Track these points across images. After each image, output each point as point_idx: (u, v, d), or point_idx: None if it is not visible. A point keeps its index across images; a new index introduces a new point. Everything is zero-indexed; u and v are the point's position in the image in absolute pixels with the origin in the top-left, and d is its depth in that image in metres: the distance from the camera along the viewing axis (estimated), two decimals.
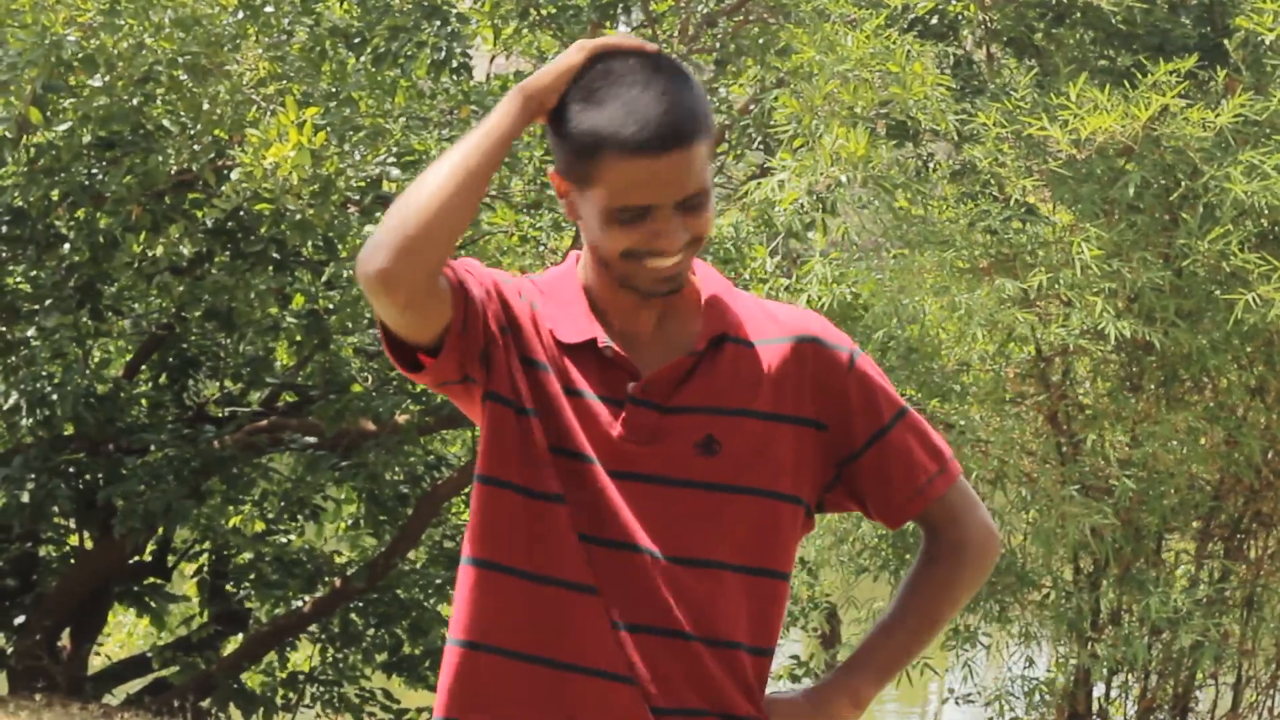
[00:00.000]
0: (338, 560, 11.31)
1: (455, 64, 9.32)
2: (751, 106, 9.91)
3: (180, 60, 8.31)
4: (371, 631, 11.15)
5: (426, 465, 11.05)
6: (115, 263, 9.10)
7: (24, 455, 9.85)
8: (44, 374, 9.59)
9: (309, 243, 8.89)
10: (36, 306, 9.65)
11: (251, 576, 11.17)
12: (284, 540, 11.23)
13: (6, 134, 8.51)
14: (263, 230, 8.83)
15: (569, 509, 2.43)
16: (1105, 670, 7.39)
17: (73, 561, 10.86)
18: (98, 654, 11.64)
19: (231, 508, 10.67)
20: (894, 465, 2.52)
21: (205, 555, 11.21)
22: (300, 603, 10.95)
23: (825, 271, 7.03)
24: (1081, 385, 7.78)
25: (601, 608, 2.42)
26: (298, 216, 8.12)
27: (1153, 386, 7.40)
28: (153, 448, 10.00)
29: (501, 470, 2.46)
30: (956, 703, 8.07)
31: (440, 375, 2.46)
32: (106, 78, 8.42)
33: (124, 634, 12.73)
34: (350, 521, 11.39)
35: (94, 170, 8.96)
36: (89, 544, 10.70)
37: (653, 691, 2.42)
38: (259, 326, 9.91)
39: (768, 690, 2.51)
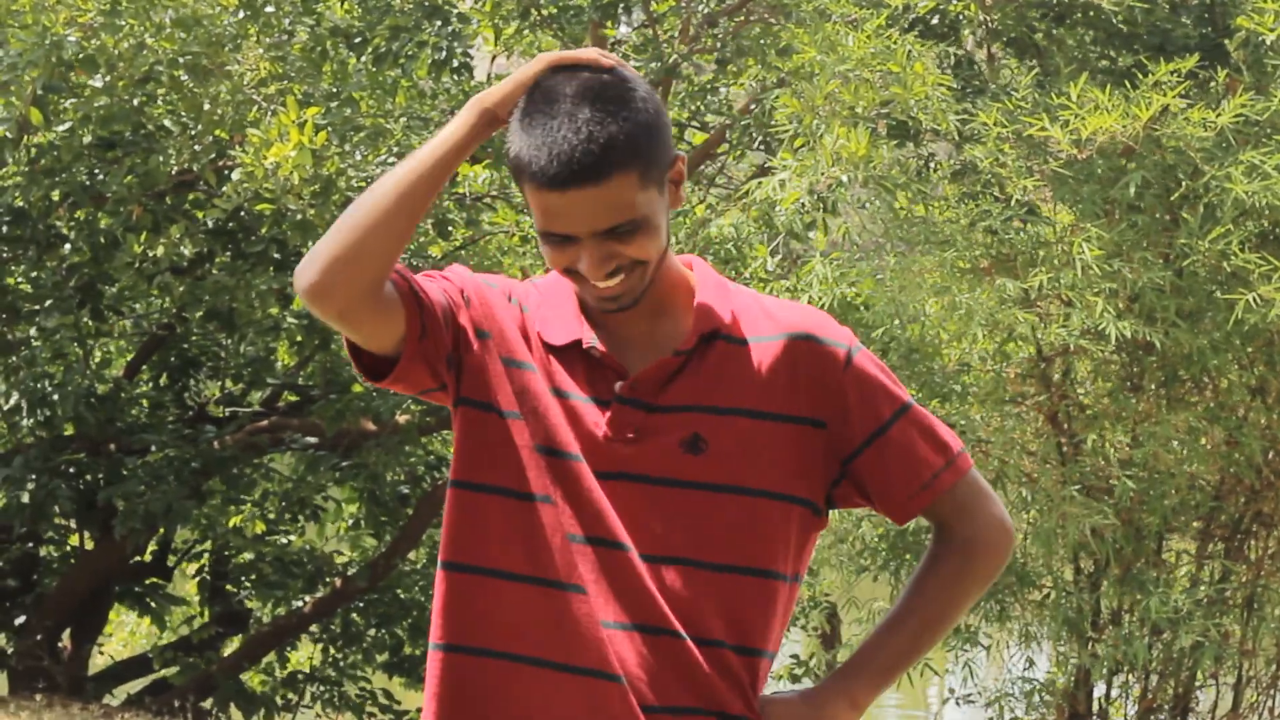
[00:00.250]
0: (338, 560, 11.32)
1: (456, 64, 9.33)
2: (752, 106, 9.91)
3: (181, 60, 8.32)
4: (372, 632, 11.16)
5: (427, 465, 11.06)
6: (116, 263, 9.11)
7: (24, 455, 9.85)
8: (45, 374, 9.59)
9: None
10: (37, 307, 9.65)
11: (252, 577, 11.18)
12: (284, 540, 11.23)
13: (7, 134, 8.52)
14: (264, 230, 8.83)
15: (556, 509, 2.43)
16: (1105, 670, 7.38)
17: (73, 562, 10.86)
18: (99, 654, 11.64)
19: (232, 508, 10.67)
20: (895, 462, 2.49)
21: (206, 555, 11.22)
22: (301, 603, 10.95)
23: (826, 271, 7.02)
24: (1082, 385, 7.77)
25: (590, 607, 2.41)
26: (299, 217, 8.12)
27: (1153, 387, 7.40)
28: (153, 448, 10.00)
29: (479, 474, 2.46)
30: (957, 703, 8.07)
31: (409, 382, 2.47)
32: (107, 78, 8.42)
33: (127, 633, 12.74)
34: (351, 521, 11.39)
35: (95, 170, 8.96)
36: (89, 544, 10.71)
37: (642, 690, 2.41)
38: (260, 327, 9.91)
39: (765, 690, 2.50)
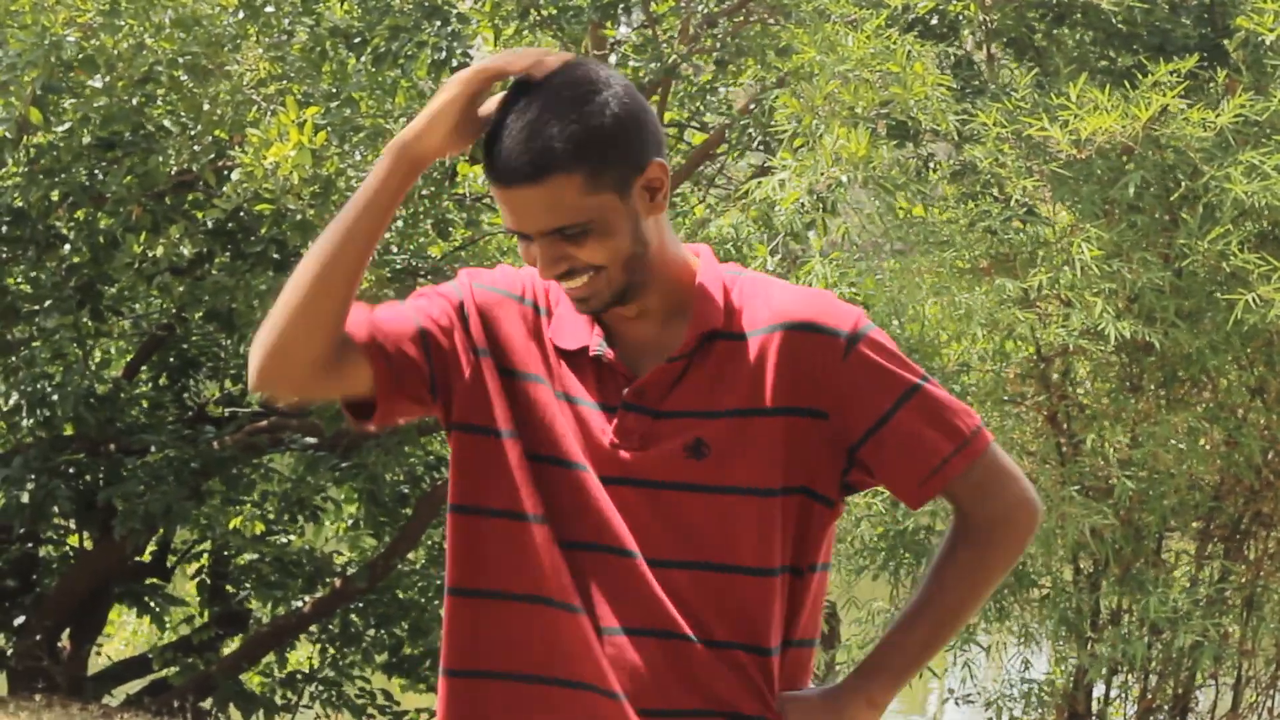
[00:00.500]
0: (338, 561, 11.32)
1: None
2: (751, 106, 9.91)
3: (181, 60, 8.32)
4: (371, 632, 11.15)
5: (426, 466, 11.05)
6: (115, 263, 9.10)
7: (24, 455, 9.85)
8: (44, 374, 9.58)
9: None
10: (37, 307, 9.65)
11: (252, 577, 11.18)
12: (284, 541, 11.23)
13: (6, 134, 8.51)
14: (263, 231, 8.83)
15: (557, 524, 2.42)
16: (1105, 670, 7.38)
17: (73, 562, 10.86)
18: (99, 654, 11.64)
19: (231, 508, 10.67)
20: (902, 449, 2.44)
21: (205, 556, 11.21)
22: (300, 603, 10.95)
23: (825, 271, 7.02)
24: (1081, 385, 7.77)
25: (588, 622, 2.41)
26: (298, 217, 8.12)
27: (1153, 387, 7.40)
28: (153, 448, 10.00)
29: (476, 498, 2.46)
30: (956, 703, 8.07)
31: (396, 419, 2.50)
32: (107, 78, 8.42)
33: (127, 633, 12.74)
34: (350, 522, 11.39)
35: (94, 171, 8.96)
36: (89, 544, 10.70)
37: (652, 695, 2.41)
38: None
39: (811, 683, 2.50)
